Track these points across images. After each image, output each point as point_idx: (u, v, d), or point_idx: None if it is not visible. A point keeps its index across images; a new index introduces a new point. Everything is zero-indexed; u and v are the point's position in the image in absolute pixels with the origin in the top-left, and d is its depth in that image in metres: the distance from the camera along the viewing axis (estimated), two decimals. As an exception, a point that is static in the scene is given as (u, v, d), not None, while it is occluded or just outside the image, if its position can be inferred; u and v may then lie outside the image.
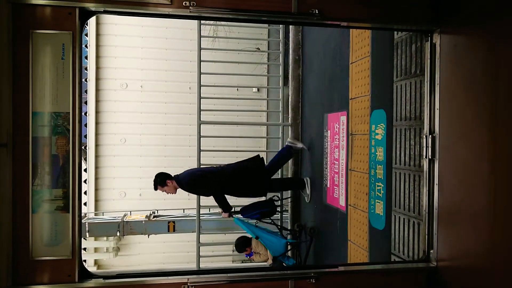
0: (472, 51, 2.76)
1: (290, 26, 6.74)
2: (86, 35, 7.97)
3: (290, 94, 6.81)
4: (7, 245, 2.61)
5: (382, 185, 4.03)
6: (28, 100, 2.64)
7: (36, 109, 2.66)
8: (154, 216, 7.06)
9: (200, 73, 5.99)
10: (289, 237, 6.26)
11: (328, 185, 5.47)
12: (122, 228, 6.76)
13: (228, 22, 6.85)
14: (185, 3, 2.83)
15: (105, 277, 2.82)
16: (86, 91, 8.16)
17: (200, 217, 6.14)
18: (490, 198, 2.55)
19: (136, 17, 2.80)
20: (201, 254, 6.14)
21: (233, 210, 5.69)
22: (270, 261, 5.80)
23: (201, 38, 5.99)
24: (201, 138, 6.07)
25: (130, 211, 7.37)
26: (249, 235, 5.84)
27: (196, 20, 5.75)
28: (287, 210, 6.83)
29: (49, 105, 2.68)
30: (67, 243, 2.71)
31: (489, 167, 2.57)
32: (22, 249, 2.66)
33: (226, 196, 5.42)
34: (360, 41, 4.53)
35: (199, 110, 6.07)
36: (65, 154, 2.70)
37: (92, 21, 7.78)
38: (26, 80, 2.64)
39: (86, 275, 2.78)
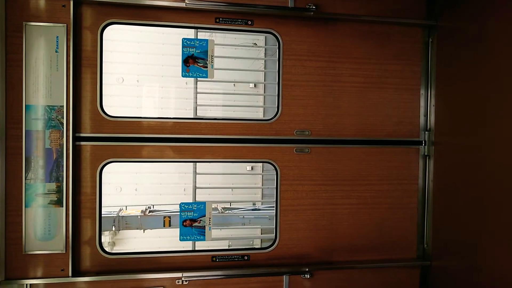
0: (469, 46, 2.75)
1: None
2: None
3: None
4: (-1, 239, 2.60)
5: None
6: (21, 93, 2.62)
7: (30, 102, 2.64)
8: (149, 211, 7.04)
9: (196, 68, 5.96)
10: None
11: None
12: (118, 223, 6.73)
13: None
14: (181, -4, 2.81)
15: (100, 271, 2.82)
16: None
17: (196, 213, 6.12)
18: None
19: (132, 9, 2.75)
20: (196, 249, 6.12)
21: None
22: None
23: (198, 32, 5.96)
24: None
25: (126, 206, 7.34)
26: None
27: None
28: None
29: (42, 98, 2.65)
30: (61, 237, 2.69)
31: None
32: (15, 244, 2.65)
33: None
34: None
35: (195, 105, 6.04)
36: (58, 148, 2.68)
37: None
38: (19, 72, 2.62)
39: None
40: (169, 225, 6.87)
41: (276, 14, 2.98)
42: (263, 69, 8.44)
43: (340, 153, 3.12)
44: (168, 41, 8.75)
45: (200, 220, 3.00)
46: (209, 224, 3.02)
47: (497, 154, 2.46)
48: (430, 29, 3.18)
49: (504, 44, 2.42)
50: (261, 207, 7.12)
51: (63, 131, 2.68)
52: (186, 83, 8.53)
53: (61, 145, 2.68)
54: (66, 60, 2.67)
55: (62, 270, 2.71)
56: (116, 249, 8.29)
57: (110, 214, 7.01)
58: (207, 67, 2.98)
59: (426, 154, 3.21)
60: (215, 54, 3.02)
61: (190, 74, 2.97)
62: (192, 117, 3.43)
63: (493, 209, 2.48)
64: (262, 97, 8.97)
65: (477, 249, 2.61)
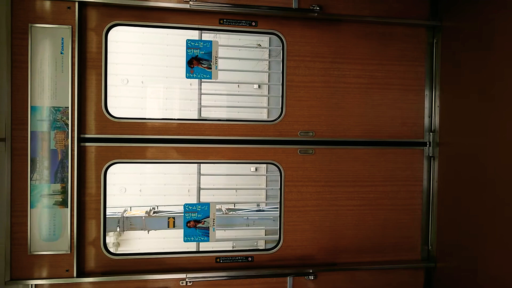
0: (474, 46, 2.74)
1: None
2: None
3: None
4: (4, 240, 2.61)
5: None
6: (26, 94, 2.63)
7: (35, 104, 2.65)
8: (154, 212, 7.05)
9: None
10: None
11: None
12: (122, 224, 6.75)
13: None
14: (185, -2, 2.82)
15: (104, 272, 2.83)
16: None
17: (200, 213, 6.12)
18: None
19: (136, 10, 2.77)
20: (200, 250, 6.13)
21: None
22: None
23: (202, 33, 5.98)
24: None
25: (130, 207, 7.36)
26: None
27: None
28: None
29: (48, 100, 2.67)
30: (65, 238, 2.70)
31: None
32: (20, 244, 2.66)
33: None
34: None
35: (200, 106, 6.06)
36: (63, 149, 2.69)
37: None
38: (25, 74, 2.63)
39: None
40: (174, 226, 6.87)
41: (280, 15, 2.98)
42: (267, 70, 8.44)
43: (344, 154, 3.11)
44: (172, 42, 8.76)
45: (204, 221, 3.00)
46: (213, 225, 3.03)
47: (502, 155, 2.45)
48: (434, 30, 3.17)
49: (509, 44, 2.41)
50: (265, 208, 7.12)
51: (68, 132, 2.69)
52: (191, 84, 8.54)
53: (66, 146, 2.69)
54: (71, 61, 2.68)
55: (67, 270, 2.72)
56: (120, 250, 8.30)
57: (115, 215, 7.02)
58: (211, 68, 2.99)
59: (430, 155, 3.20)
60: (219, 55, 3.02)
61: (194, 75, 2.98)
62: (196, 118, 3.44)
63: (498, 210, 2.47)
64: (266, 98, 8.96)
65: (482, 251, 2.60)
